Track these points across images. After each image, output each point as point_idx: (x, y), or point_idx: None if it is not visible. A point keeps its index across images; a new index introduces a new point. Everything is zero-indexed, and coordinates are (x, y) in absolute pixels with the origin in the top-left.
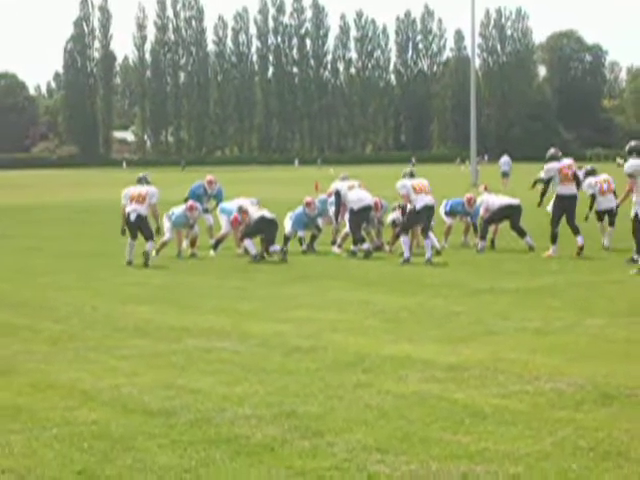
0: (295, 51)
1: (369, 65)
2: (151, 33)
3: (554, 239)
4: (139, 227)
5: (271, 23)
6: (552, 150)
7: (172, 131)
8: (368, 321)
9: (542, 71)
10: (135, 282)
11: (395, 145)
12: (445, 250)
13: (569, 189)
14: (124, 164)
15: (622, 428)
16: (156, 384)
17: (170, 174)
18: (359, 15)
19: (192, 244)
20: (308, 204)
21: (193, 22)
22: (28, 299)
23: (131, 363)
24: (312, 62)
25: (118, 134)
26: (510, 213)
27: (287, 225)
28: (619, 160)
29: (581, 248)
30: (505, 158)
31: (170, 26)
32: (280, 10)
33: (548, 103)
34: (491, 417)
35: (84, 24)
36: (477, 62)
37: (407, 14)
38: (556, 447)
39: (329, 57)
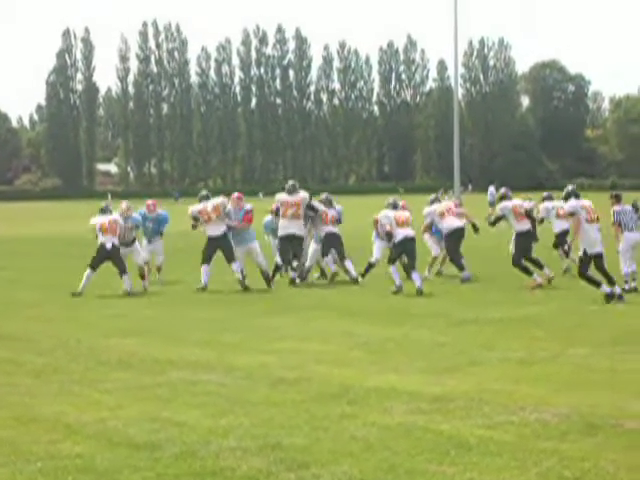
0: (278, 82)
1: (352, 96)
2: (134, 65)
3: (528, 270)
4: (111, 258)
5: (254, 54)
6: (503, 189)
7: (155, 163)
8: (353, 352)
9: (525, 101)
10: (119, 314)
11: (379, 176)
12: (429, 280)
13: (526, 225)
14: (109, 196)
15: (608, 458)
16: (141, 417)
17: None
18: (342, 46)
19: (158, 270)
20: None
21: (176, 54)
22: (11, 332)
23: (115, 396)
24: (295, 93)
25: (101, 166)
26: (461, 235)
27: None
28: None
29: (549, 280)
30: (491, 189)
31: (152, 58)
32: (263, 41)
33: (531, 133)
34: (476, 448)
35: (67, 56)
36: (460, 92)
37: (390, 44)
38: (541, 478)
39: (312, 88)
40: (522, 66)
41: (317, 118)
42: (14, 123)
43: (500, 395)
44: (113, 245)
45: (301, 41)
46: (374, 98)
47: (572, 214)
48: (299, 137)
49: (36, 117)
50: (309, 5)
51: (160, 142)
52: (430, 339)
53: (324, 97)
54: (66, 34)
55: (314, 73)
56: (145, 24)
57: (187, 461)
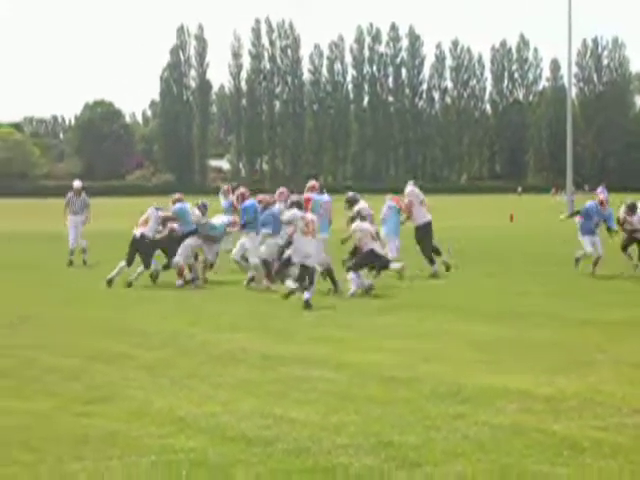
0: (391, 80)
1: (464, 94)
2: (247, 62)
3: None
4: (137, 249)
5: (367, 52)
6: (350, 194)
7: (267, 160)
8: (464, 351)
9: (639, 101)
10: (230, 310)
11: (490, 175)
12: (539, 279)
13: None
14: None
15: None
16: (253, 412)
17: None
18: (455, 44)
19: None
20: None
21: (289, 51)
22: (125, 326)
23: (227, 391)
24: (407, 91)
25: (213, 162)
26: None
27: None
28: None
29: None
30: (599, 189)
31: (266, 55)
32: (376, 39)
33: None
34: (589, 450)
35: (180, 52)
36: (573, 92)
37: (502, 43)
38: None
39: (424, 86)
40: (636, 65)
41: (429, 116)
42: (127, 119)
43: (613, 397)
44: (142, 235)
45: (414, 39)
46: (486, 97)
47: (289, 222)
48: (411, 135)
49: (149, 113)
50: (423, 3)
51: (272, 139)
52: (542, 339)
53: (436, 95)
54: (180, 31)
55: (426, 71)
56: (258, 21)
57: (300, 457)
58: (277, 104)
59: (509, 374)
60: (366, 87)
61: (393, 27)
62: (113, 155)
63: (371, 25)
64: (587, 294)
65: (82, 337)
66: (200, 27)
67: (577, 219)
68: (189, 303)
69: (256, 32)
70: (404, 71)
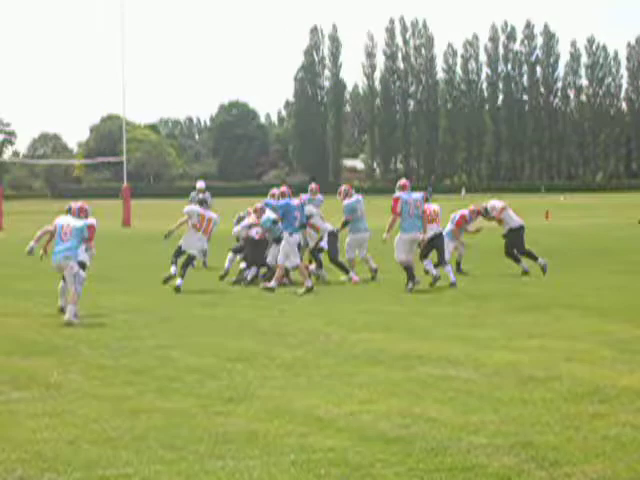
0: (525, 78)
1: (600, 92)
2: (380, 61)
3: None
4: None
5: (501, 50)
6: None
7: (401, 159)
8: (603, 351)
9: None
10: (368, 310)
11: (626, 173)
12: None
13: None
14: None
15: None
16: (391, 411)
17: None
18: (590, 41)
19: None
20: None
21: (422, 50)
22: (263, 326)
23: (366, 390)
24: (542, 89)
25: (348, 162)
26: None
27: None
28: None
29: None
30: None
31: (399, 54)
32: (510, 37)
33: None
34: None
35: (314, 53)
36: None
37: (638, 40)
38: None
39: (559, 84)
40: None
41: (564, 115)
42: (262, 119)
43: None
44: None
45: (549, 37)
46: (622, 94)
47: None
48: (546, 134)
49: (284, 113)
50: (558, 0)
51: (406, 138)
52: None
53: (571, 93)
54: (314, 31)
55: (561, 69)
56: (392, 20)
57: (438, 457)
58: (411, 103)
59: None
60: (500, 86)
61: (528, 25)
62: (248, 155)
63: (505, 23)
64: None
65: (218, 337)
66: (334, 27)
67: None
68: (325, 303)
69: (390, 31)
70: (539, 69)
